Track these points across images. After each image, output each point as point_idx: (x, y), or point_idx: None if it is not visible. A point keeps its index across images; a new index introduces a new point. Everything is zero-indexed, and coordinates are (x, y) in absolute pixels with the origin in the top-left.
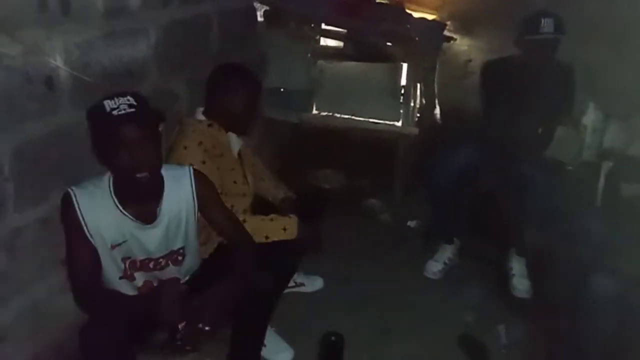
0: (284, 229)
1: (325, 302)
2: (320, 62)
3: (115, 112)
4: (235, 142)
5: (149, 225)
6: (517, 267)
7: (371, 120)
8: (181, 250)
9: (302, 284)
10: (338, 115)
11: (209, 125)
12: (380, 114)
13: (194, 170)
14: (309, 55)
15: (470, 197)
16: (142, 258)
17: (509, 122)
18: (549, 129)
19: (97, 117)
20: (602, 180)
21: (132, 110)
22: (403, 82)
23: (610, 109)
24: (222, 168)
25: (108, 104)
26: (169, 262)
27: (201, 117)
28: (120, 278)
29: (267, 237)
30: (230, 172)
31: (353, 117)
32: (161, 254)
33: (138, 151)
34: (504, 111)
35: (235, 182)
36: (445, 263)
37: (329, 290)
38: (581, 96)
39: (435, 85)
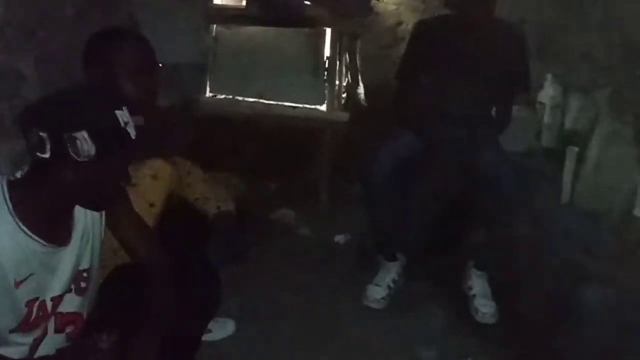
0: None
1: (238, 351)
2: (215, 27)
3: (131, 132)
4: None
5: (61, 247)
6: (478, 285)
7: (285, 104)
8: (85, 274)
9: (208, 331)
10: (240, 99)
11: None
12: (297, 96)
13: None
14: (199, 17)
15: (414, 199)
16: (53, 295)
17: (453, 99)
18: (505, 107)
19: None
20: (567, 170)
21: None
22: (326, 53)
23: (570, 80)
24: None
25: (121, 116)
26: (72, 287)
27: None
28: (12, 331)
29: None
30: None
31: (260, 101)
32: (68, 286)
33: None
34: (444, 86)
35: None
36: (389, 287)
37: (241, 335)
38: (535, 67)
39: (358, 57)
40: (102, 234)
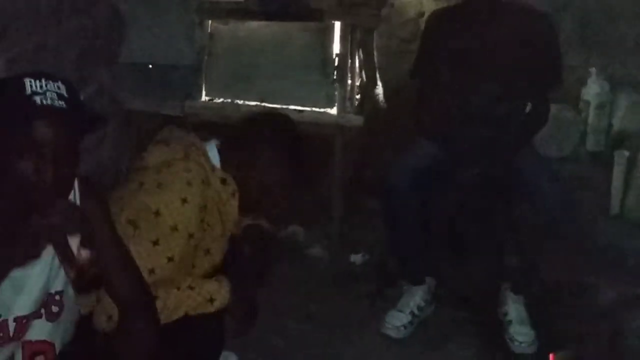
0: (211, 300)
1: None
2: (211, 23)
3: (38, 99)
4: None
5: (30, 263)
6: (514, 310)
7: (291, 107)
8: (58, 297)
9: None
10: (240, 103)
11: (223, 182)
12: (303, 99)
13: (81, 179)
14: (192, 12)
15: (442, 214)
16: (17, 315)
17: (477, 98)
18: (538, 103)
19: (8, 98)
20: (616, 177)
21: (62, 104)
22: (336, 49)
23: (618, 74)
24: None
25: (30, 84)
26: (42, 312)
27: (216, 162)
28: None
29: (186, 314)
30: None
31: (263, 105)
32: (37, 307)
33: (49, 165)
34: (466, 83)
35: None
36: (413, 313)
37: None
38: (577, 60)
39: (375, 54)
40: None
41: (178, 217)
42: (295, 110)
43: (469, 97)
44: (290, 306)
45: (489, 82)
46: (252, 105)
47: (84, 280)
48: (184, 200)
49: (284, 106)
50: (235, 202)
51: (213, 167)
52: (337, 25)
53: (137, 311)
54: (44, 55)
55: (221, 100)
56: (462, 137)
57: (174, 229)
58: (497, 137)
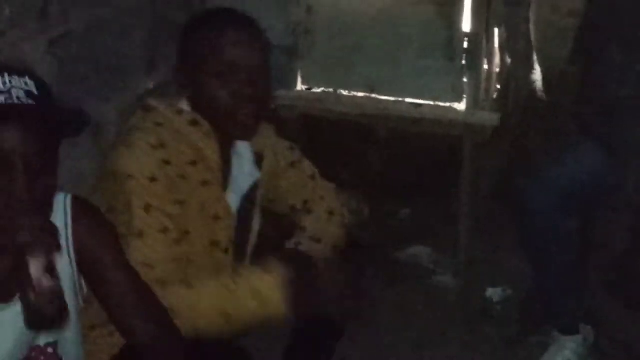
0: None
1: None
2: None
3: (2, 98)
4: (247, 162)
5: (2, 304)
6: None
7: (408, 101)
8: (50, 350)
9: None
10: (345, 94)
11: (192, 124)
12: (423, 90)
13: (74, 198)
14: None
15: (607, 241)
16: None
17: None
18: None
19: None
20: None
21: (31, 102)
22: (466, 28)
23: None
24: (193, 206)
25: None
26: None
27: (185, 107)
28: None
29: (228, 316)
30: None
31: (373, 97)
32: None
33: (20, 177)
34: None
35: (214, 243)
36: None
37: None
38: None
39: (532, 32)
40: (80, 297)
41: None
42: (412, 104)
43: None
44: (408, 346)
45: None
46: (359, 97)
47: (40, 314)
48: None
49: (398, 99)
50: (214, 144)
51: (179, 112)
52: None
53: (161, 354)
54: (98, 34)
55: (321, 89)
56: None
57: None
58: None
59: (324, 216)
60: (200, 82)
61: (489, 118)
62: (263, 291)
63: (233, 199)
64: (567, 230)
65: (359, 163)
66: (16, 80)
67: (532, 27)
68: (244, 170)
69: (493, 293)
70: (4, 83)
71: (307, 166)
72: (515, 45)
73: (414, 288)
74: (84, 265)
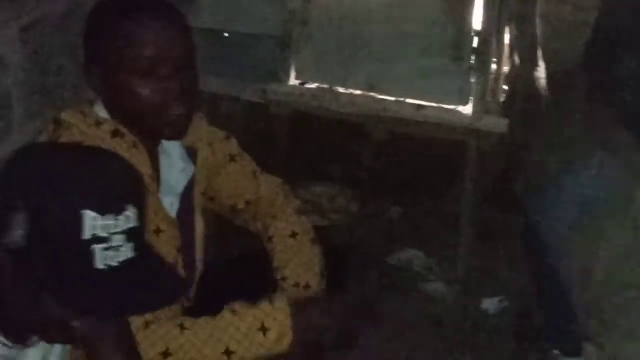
0: (263, 329)
1: None
2: None
3: None
4: (177, 160)
5: (20, 344)
6: None
7: (408, 101)
8: None
9: None
10: (341, 91)
11: (115, 135)
12: (426, 90)
13: None
14: None
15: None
16: None
17: None
18: None
19: None
20: None
21: None
22: (476, 25)
23: None
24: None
25: None
26: None
27: (103, 113)
28: None
29: (229, 353)
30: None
31: (370, 95)
32: None
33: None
34: None
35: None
36: None
37: None
38: None
39: (538, 29)
40: None
41: None
42: (413, 105)
43: None
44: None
45: None
46: (356, 95)
47: None
48: None
49: (399, 99)
50: (142, 155)
51: (97, 124)
52: None
53: None
54: (75, 21)
55: (316, 85)
56: None
57: None
58: None
59: (293, 248)
60: (117, 82)
61: (496, 123)
62: (268, 323)
63: (168, 203)
64: (575, 242)
65: (352, 165)
66: None
67: (538, 20)
68: (175, 168)
69: (489, 304)
70: None
71: (248, 161)
72: (525, 45)
73: (404, 296)
74: None
